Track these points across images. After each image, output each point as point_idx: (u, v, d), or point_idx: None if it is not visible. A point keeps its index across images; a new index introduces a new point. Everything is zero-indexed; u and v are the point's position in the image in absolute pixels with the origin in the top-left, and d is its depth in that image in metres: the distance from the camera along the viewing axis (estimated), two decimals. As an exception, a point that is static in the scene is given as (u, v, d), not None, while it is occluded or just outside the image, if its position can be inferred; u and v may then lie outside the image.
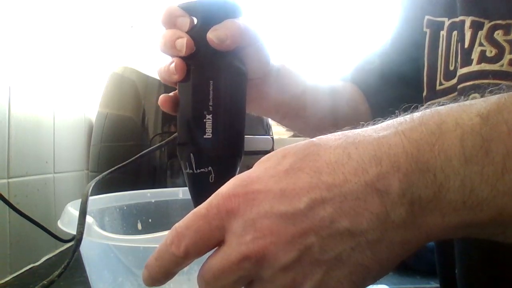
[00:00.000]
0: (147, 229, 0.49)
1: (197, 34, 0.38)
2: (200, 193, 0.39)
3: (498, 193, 0.21)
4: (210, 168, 0.38)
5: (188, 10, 0.38)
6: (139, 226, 0.50)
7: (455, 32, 0.45)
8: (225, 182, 0.38)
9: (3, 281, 0.63)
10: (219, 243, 0.24)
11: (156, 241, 0.29)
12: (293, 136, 1.34)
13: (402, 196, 0.22)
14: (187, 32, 0.38)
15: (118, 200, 0.48)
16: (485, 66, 0.40)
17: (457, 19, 0.44)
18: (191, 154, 0.38)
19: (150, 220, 0.51)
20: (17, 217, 0.61)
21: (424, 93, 0.49)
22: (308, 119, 0.53)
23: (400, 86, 0.54)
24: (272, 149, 0.94)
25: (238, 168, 0.40)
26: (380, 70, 0.57)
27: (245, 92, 0.40)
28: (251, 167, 0.26)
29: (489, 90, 0.25)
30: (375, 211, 0.22)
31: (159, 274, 0.26)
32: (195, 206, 0.38)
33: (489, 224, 0.22)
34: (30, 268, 0.70)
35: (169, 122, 0.79)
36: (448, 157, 0.22)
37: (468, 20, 0.42)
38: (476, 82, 0.41)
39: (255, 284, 0.24)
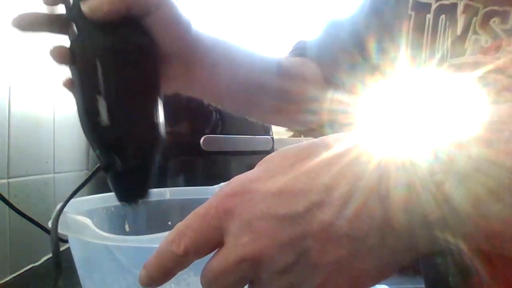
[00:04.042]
0: (135, 231, 0.48)
1: (73, 11, 0.33)
2: (113, 181, 0.36)
3: (505, 206, 0.20)
4: (115, 157, 0.33)
5: None
6: (127, 228, 0.49)
7: (442, 16, 0.41)
8: (139, 173, 0.35)
9: (3, 281, 0.63)
10: (220, 243, 0.24)
11: (157, 241, 0.29)
12: (293, 136, 1.34)
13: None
14: (65, 15, 0.33)
15: (106, 201, 0.47)
16: (480, 58, 0.37)
17: (447, 2, 0.40)
18: (93, 143, 0.34)
19: (138, 221, 0.50)
20: (17, 217, 0.61)
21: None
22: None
23: (366, 66, 0.49)
24: (272, 149, 0.94)
25: (156, 158, 0.36)
26: (342, 45, 0.51)
27: (153, 69, 0.35)
28: (252, 167, 0.26)
29: None
30: (376, 216, 0.21)
31: (157, 272, 0.25)
32: (115, 193, 0.35)
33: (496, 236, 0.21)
34: (30, 268, 0.70)
35: (169, 123, 0.79)
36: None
37: (461, 4, 0.38)
38: (470, 74, 0.37)
39: (255, 285, 0.24)
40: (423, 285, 0.58)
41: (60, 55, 0.33)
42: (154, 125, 0.35)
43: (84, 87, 0.33)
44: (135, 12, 0.33)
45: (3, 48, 0.66)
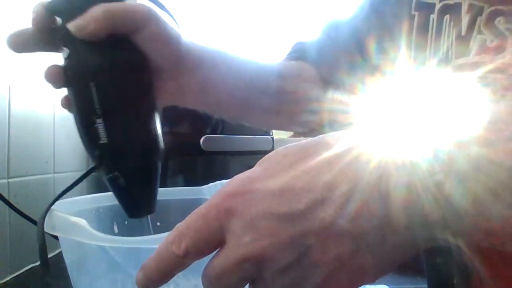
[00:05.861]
0: (123, 232, 0.48)
1: (62, 33, 0.33)
2: (119, 197, 0.37)
3: (504, 206, 0.20)
4: (117, 173, 0.35)
5: (52, 10, 0.34)
6: (116, 229, 0.48)
7: (447, 16, 0.41)
8: (141, 184, 0.36)
9: (3, 281, 0.63)
10: (221, 243, 0.24)
11: (157, 241, 0.29)
12: (293, 136, 1.34)
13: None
14: (54, 35, 0.34)
15: (94, 202, 0.46)
16: (485, 58, 0.37)
17: (451, 2, 0.40)
18: (96, 160, 0.35)
19: (126, 223, 0.49)
20: (17, 217, 0.61)
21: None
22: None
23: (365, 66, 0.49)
24: (272, 149, 0.94)
25: (158, 168, 0.37)
26: (344, 46, 0.51)
27: (146, 83, 0.36)
28: (252, 167, 0.26)
29: None
30: (376, 215, 0.22)
31: (155, 273, 0.25)
32: (123, 209, 0.37)
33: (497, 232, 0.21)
34: (30, 268, 0.70)
35: (169, 123, 0.79)
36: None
37: (465, 4, 0.38)
38: (471, 74, 0.37)
39: (257, 283, 0.24)
40: (423, 285, 0.58)
41: (54, 76, 0.34)
42: (153, 138, 0.36)
43: (80, 107, 0.34)
44: (122, 29, 0.34)
45: (3, 48, 0.66)
